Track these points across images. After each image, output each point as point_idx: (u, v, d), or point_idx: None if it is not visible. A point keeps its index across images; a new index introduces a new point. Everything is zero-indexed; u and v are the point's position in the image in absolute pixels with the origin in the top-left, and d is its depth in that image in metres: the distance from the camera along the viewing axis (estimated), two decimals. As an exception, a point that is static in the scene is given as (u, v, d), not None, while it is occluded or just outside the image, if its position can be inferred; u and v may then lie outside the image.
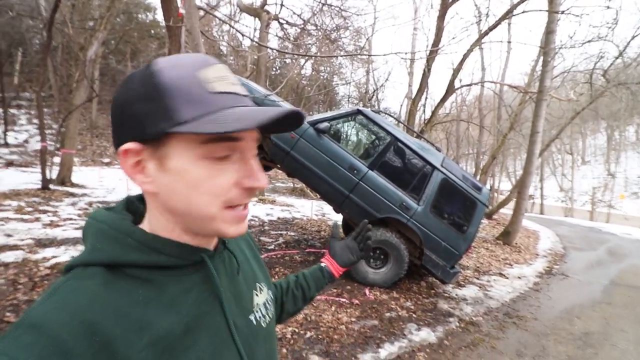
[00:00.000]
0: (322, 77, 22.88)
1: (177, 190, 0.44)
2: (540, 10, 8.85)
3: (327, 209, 8.72)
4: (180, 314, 0.45)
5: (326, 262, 0.93)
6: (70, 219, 5.11)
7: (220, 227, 0.47)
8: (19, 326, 0.37)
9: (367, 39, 13.91)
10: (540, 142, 8.20)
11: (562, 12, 8.25)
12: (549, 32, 7.99)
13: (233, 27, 5.61)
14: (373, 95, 18.66)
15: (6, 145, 11.28)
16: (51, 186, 6.69)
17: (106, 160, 13.53)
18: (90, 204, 6.15)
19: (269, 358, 0.58)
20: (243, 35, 6.17)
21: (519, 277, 5.56)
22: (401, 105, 17.79)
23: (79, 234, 4.54)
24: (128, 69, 16.65)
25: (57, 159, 7.61)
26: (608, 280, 5.94)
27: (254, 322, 0.57)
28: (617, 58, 11.11)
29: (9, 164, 9.30)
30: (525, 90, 10.76)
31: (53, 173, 6.93)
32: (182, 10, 4.86)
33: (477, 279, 5.19)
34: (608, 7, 8.78)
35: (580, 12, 8.51)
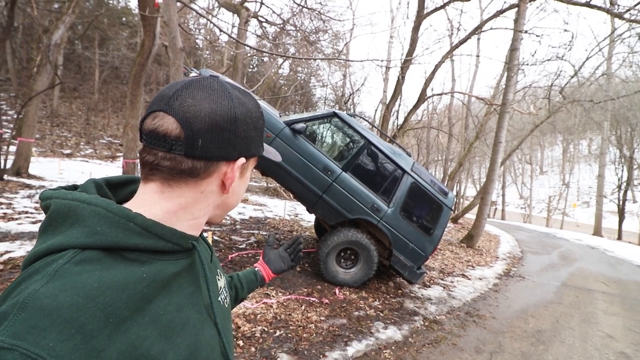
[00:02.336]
0: (299, 78, 22.89)
1: (238, 191, 0.60)
2: (506, 29, 9.44)
3: (300, 209, 8.74)
4: (173, 294, 0.49)
5: (259, 267, 1.00)
6: (26, 212, 4.79)
7: (213, 217, 0.59)
8: (23, 309, 0.35)
9: (345, 44, 14.10)
10: (502, 151, 8.72)
11: (526, 32, 8.84)
12: (513, 49, 8.52)
13: (211, 22, 5.51)
14: (349, 99, 18.92)
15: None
16: (5, 176, 6.21)
17: (67, 151, 12.74)
18: (48, 197, 5.77)
19: (230, 333, 0.65)
20: (221, 30, 6.06)
21: (480, 279, 5.87)
22: (376, 110, 18.17)
23: (35, 228, 4.26)
24: (96, 56, 15.78)
25: (12, 148, 7.09)
26: (559, 282, 6.42)
27: (222, 302, 0.64)
28: (572, 77, 12.03)
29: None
30: (491, 102, 11.39)
31: (8, 163, 6.44)
32: (158, 1, 4.72)
33: (442, 279, 5.42)
34: (566, 30, 9.51)
35: (541, 33, 9.17)
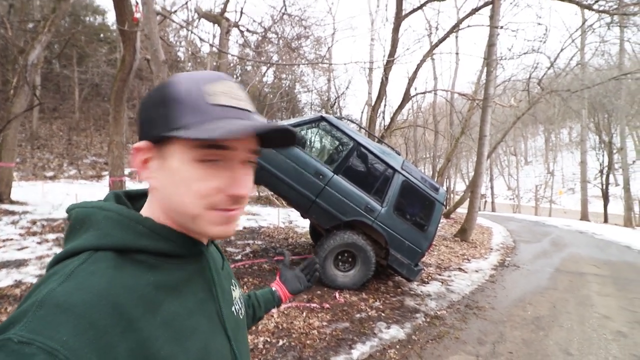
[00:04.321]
0: (284, 85, 22.94)
1: (169, 187, 0.49)
2: (482, 25, 9.69)
3: (294, 216, 8.71)
4: (182, 299, 0.49)
5: (276, 287, 1.00)
6: (11, 239, 4.63)
7: (204, 226, 0.49)
8: (41, 306, 0.37)
9: (328, 49, 14.24)
10: (488, 145, 8.90)
11: (501, 27, 9.10)
12: (491, 45, 8.75)
13: (193, 33, 5.49)
14: (335, 102, 19.04)
15: None
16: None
17: (49, 173, 12.41)
18: (33, 221, 5.60)
19: (244, 345, 0.63)
20: (202, 41, 6.05)
21: (477, 271, 5.94)
22: (362, 112, 18.33)
23: (21, 255, 4.13)
24: (74, 74, 15.51)
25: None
26: (553, 268, 6.54)
27: (235, 313, 0.62)
28: (549, 68, 12.41)
29: None
30: (473, 97, 11.64)
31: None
32: (137, 15, 4.68)
33: (439, 275, 5.47)
34: (539, 24, 9.84)
35: (516, 28, 9.47)
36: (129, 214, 0.49)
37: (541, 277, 5.84)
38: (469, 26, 9.82)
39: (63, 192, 8.91)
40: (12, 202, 6.78)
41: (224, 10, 11.09)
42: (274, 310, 3.40)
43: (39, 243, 4.64)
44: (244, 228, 6.88)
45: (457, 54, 15.27)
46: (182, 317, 0.47)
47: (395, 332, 3.31)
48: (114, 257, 0.45)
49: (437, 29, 11.03)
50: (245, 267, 4.61)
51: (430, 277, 5.26)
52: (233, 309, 0.62)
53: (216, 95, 0.47)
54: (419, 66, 10.01)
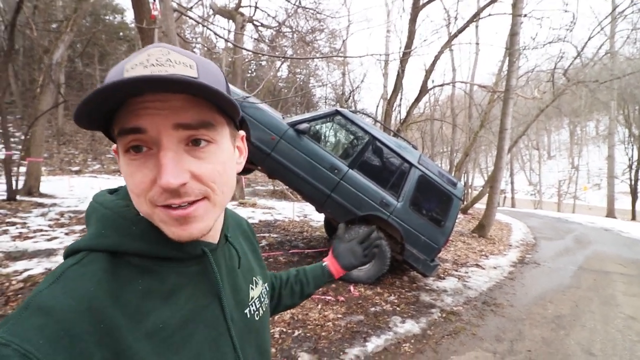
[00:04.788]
0: (298, 79, 22.92)
1: (125, 176, 0.44)
2: (505, 14, 9.34)
3: (309, 210, 8.76)
4: (178, 306, 0.46)
5: (328, 262, 0.91)
6: (41, 230, 4.87)
7: (161, 226, 0.44)
8: (26, 308, 0.37)
9: (342, 42, 14.10)
10: (508, 138, 8.63)
11: (525, 15, 8.74)
12: (513, 34, 8.43)
13: (209, 29, 5.54)
14: (349, 96, 18.89)
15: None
16: (18, 197, 6.33)
17: (75, 168, 12.93)
18: (61, 214, 5.87)
19: (259, 350, 0.59)
20: (218, 36, 6.10)
21: (495, 267, 5.82)
22: (377, 106, 18.14)
23: (51, 245, 4.34)
24: (96, 72, 16.01)
25: (22, 169, 7.21)
26: (576, 266, 6.32)
27: (248, 315, 0.58)
28: (575, 58, 11.86)
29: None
30: (494, 89, 11.28)
31: (19, 183, 6.56)
32: (154, 12, 4.76)
33: (456, 270, 5.38)
34: (566, 11, 9.38)
35: (541, 16, 9.07)
36: (125, 214, 0.46)
37: (563, 275, 5.66)
38: (490, 15, 9.49)
39: (88, 185, 9.29)
40: (41, 195, 7.13)
41: (238, 6, 11.14)
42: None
43: (67, 234, 4.86)
44: (260, 221, 6.98)
45: (477, 44, 14.81)
46: (172, 328, 0.44)
47: (410, 327, 3.30)
48: (107, 259, 0.43)
49: (456, 18, 10.72)
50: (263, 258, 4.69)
51: (446, 273, 5.19)
52: (247, 310, 0.58)
53: (133, 69, 0.40)
54: (436, 58, 9.78)
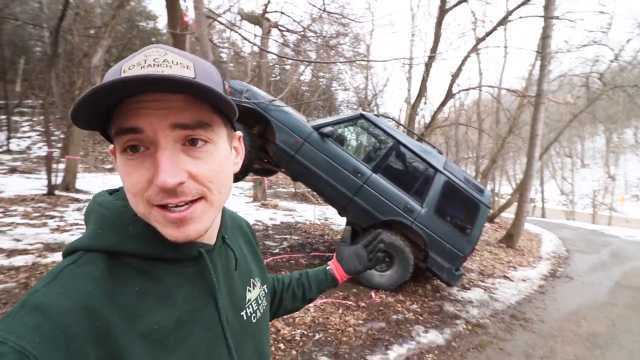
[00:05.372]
0: (321, 83, 23.04)
1: (121, 176, 0.45)
2: (536, 16, 9.01)
3: (330, 213, 8.74)
4: (174, 307, 0.45)
5: (332, 266, 0.90)
6: (77, 224, 5.13)
7: (158, 227, 0.44)
8: (22, 307, 0.37)
9: (367, 46, 14.06)
10: (539, 145, 8.27)
11: (558, 18, 8.39)
12: (545, 37, 8.10)
13: (239, 34, 5.69)
14: (372, 100, 18.78)
15: (9, 152, 11.33)
16: (56, 192, 6.71)
17: (108, 166, 13.56)
18: (94, 210, 6.16)
19: (257, 352, 0.59)
20: (248, 41, 6.28)
21: (524, 280, 5.57)
22: (400, 110, 17.93)
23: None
24: (129, 76, 16.76)
25: (61, 165, 7.65)
26: (612, 282, 5.95)
27: (245, 317, 0.57)
28: (612, 61, 11.24)
29: (13, 170, 9.33)
30: (524, 94, 10.88)
31: (58, 179, 6.96)
32: (187, 19, 4.95)
33: (482, 281, 5.20)
34: (602, 12, 8.93)
35: (575, 18, 8.66)
36: (122, 215, 0.46)
37: (598, 291, 5.34)
38: (520, 17, 9.17)
39: (120, 183, 9.68)
40: (77, 191, 7.53)
41: (265, 12, 11.37)
42: (310, 304, 3.45)
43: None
44: (282, 223, 7.04)
45: (505, 47, 14.35)
46: (167, 329, 0.44)
47: (433, 337, 3.21)
48: (104, 259, 0.43)
49: (483, 21, 10.45)
50: (283, 260, 4.72)
51: (471, 283, 5.02)
52: (243, 313, 0.57)
53: (130, 70, 0.40)
54: (463, 61, 9.56)
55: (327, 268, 0.89)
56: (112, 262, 0.43)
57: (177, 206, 0.42)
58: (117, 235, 0.45)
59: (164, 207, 0.42)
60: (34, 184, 7.52)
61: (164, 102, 0.40)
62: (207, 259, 0.50)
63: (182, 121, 0.41)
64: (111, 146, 0.46)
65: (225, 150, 0.48)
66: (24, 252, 3.80)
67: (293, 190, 12.50)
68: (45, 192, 6.55)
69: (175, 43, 5.76)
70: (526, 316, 4.06)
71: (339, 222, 7.80)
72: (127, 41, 13.49)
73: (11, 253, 3.73)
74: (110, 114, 0.42)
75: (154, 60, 0.41)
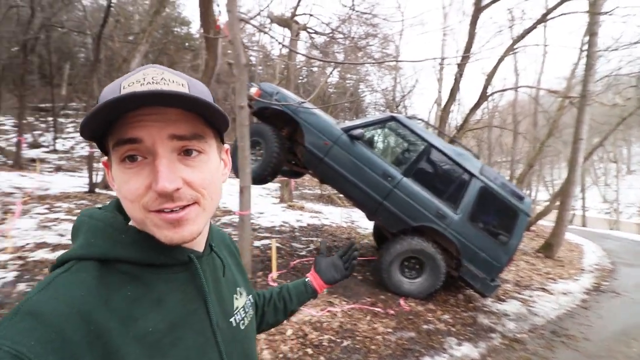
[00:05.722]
0: (348, 85, 22.93)
1: (119, 195, 0.48)
2: (580, 12, 8.44)
3: (356, 216, 8.63)
4: (166, 311, 0.47)
5: (310, 278, 0.93)
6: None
7: (153, 231, 0.46)
8: (16, 314, 0.38)
9: (396, 47, 13.82)
10: (583, 149, 7.73)
11: (606, 13, 7.81)
12: (592, 34, 7.57)
13: (270, 35, 5.78)
14: (400, 102, 18.44)
15: (55, 151, 12.14)
16: (97, 190, 7.09)
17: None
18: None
19: (245, 358, 0.60)
20: (278, 42, 6.36)
21: (565, 293, 5.20)
22: (429, 112, 17.45)
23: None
24: (164, 79, 17.51)
25: (100, 165, 8.07)
26: (667, 300, 5.42)
27: (234, 324, 0.59)
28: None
29: (58, 168, 9.99)
30: (566, 95, 10.23)
31: (98, 178, 7.35)
32: (219, 23, 5.07)
33: (519, 293, 4.90)
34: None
35: (626, 13, 8.03)
36: (113, 223, 0.49)
37: (651, 309, 4.87)
38: (562, 14, 8.63)
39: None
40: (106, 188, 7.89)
41: (293, 14, 11.47)
42: (338, 309, 3.39)
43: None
44: (308, 225, 7.03)
45: (545, 46, 13.59)
46: (161, 332, 0.46)
47: (467, 350, 3.05)
48: (96, 267, 0.45)
49: (522, 19, 9.94)
50: (310, 262, 4.69)
51: (507, 295, 4.74)
52: (232, 319, 0.59)
53: (130, 87, 0.44)
54: (499, 61, 9.13)
55: (307, 280, 0.93)
56: (104, 269, 0.45)
57: (172, 211, 0.45)
58: (109, 242, 0.47)
59: (160, 211, 0.45)
60: (77, 182, 7.99)
61: (162, 115, 0.44)
62: (197, 263, 0.52)
63: (179, 132, 0.45)
64: (104, 158, 0.50)
65: (216, 160, 0.52)
66: (67, 246, 4.02)
67: (319, 192, 12.49)
68: (86, 190, 6.94)
69: (208, 47, 5.93)
70: (569, 333, 3.78)
71: (365, 225, 7.68)
72: (162, 46, 14.10)
73: (55, 247, 3.96)
74: (108, 127, 0.45)
75: (152, 78, 0.45)
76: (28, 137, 11.60)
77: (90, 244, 0.47)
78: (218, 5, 4.67)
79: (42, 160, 9.69)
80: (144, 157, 0.45)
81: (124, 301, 0.44)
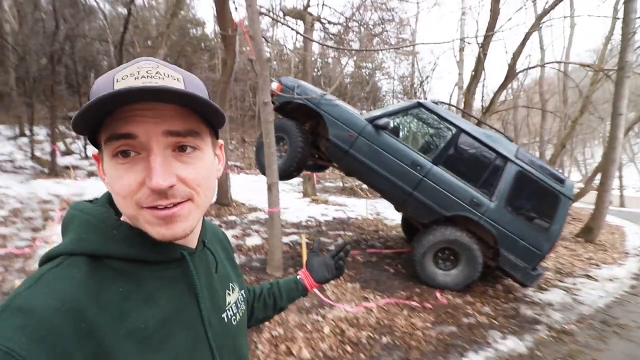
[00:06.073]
0: (364, 73, 22.53)
1: (111, 191, 0.47)
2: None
3: (381, 207, 8.50)
4: (157, 308, 0.47)
5: (302, 275, 0.94)
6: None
7: (145, 227, 0.46)
8: (5, 309, 0.38)
9: (413, 31, 13.36)
10: (623, 125, 7.21)
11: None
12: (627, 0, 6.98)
13: (292, 29, 5.69)
14: (419, 86, 17.92)
15: (86, 157, 12.66)
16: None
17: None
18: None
19: (236, 354, 0.60)
20: (297, 32, 6.34)
21: (611, 280, 4.90)
22: (450, 96, 16.84)
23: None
24: (182, 81, 17.83)
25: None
26: None
27: (226, 319, 0.59)
28: None
29: (90, 174, 10.41)
30: (600, 68, 9.56)
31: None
32: (236, 20, 5.02)
33: (561, 281, 4.66)
34: None
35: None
36: (106, 219, 0.48)
37: None
38: (596, -20, 8.00)
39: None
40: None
41: (307, 6, 11.30)
42: (373, 305, 3.33)
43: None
44: (334, 219, 6.98)
45: (572, 17, 12.72)
46: (152, 328, 0.45)
47: (513, 344, 2.91)
48: (87, 262, 0.44)
49: (550, -11, 9.30)
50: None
51: (549, 284, 4.52)
52: (224, 315, 0.59)
53: (124, 80, 0.43)
54: (527, 36, 8.62)
55: (298, 277, 0.94)
56: (95, 265, 0.45)
57: (165, 207, 0.45)
58: (101, 238, 0.46)
59: (153, 207, 0.44)
60: (104, 187, 8.29)
61: (157, 110, 0.43)
62: (189, 261, 0.52)
63: (174, 129, 0.45)
64: (95, 152, 0.50)
65: (210, 157, 0.51)
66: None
67: (341, 184, 12.41)
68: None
69: (226, 45, 5.91)
70: (620, 322, 3.55)
71: (392, 216, 7.54)
72: (180, 49, 14.31)
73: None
74: (100, 121, 0.44)
75: (147, 72, 0.44)
76: (60, 146, 12.14)
77: (82, 239, 0.46)
78: (234, 2, 4.62)
79: (75, 167, 10.11)
80: (137, 152, 0.44)
81: (115, 297, 0.44)
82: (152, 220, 0.45)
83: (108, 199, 0.53)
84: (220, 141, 0.58)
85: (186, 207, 0.46)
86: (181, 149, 0.46)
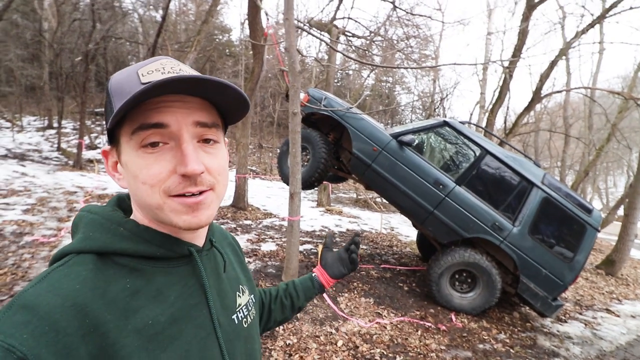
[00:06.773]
0: (383, 87, 22.61)
1: (131, 183, 0.47)
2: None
3: (395, 222, 8.43)
4: (166, 304, 0.47)
5: (317, 273, 0.92)
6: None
7: (170, 217, 0.46)
8: (10, 307, 0.38)
9: (436, 47, 13.39)
10: (653, 156, 6.98)
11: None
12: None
13: (316, 36, 5.81)
14: (439, 104, 17.84)
15: (109, 153, 13.12)
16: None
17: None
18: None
19: (248, 357, 0.58)
20: (327, 44, 6.45)
21: (633, 316, 4.70)
22: (470, 114, 16.66)
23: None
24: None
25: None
26: None
27: (236, 321, 0.58)
28: None
29: (112, 169, 10.75)
30: (630, 96, 9.33)
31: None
32: (268, 31, 5.16)
33: (580, 314, 4.50)
34: None
35: None
36: (112, 217, 0.49)
37: None
38: (631, 8, 7.87)
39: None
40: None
41: (333, 19, 11.51)
42: (386, 322, 3.29)
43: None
44: (347, 230, 6.96)
45: (601, 43, 12.49)
46: (161, 325, 0.45)
47: (531, 376, 2.82)
48: (94, 260, 0.44)
49: (582, 15, 9.22)
50: (357, 269, 4.62)
51: (567, 315, 4.37)
52: (234, 316, 0.58)
53: (150, 75, 0.45)
54: (555, 60, 8.52)
55: (313, 275, 0.92)
56: (102, 261, 0.45)
57: (192, 194, 0.46)
58: (107, 235, 0.47)
59: (180, 195, 0.46)
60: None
61: (186, 102, 0.46)
62: (197, 257, 0.52)
63: (203, 120, 0.47)
64: (106, 147, 0.51)
65: (225, 150, 0.54)
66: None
67: (355, 195, 12.38)
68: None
69: (255, 53, 6.07)
70: (644, 363, 3.39)
71: (406, 232, 7.47)
72: (208, 54, 14.75)
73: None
74: (125, 115, 0.45)
75: (171, 67, 0.46)
76: (86, 140, 12.59)
77: (89, 237, 0.47)
78: (266, 14, 4.76)
79: (98, 161, 10.45)
80: (165, 142, 0.45)
81: (122, 293, 0.44)
82: (178, 209, 0.46)
83: (116, 201, 0.55)
84: (226, 139, 0.60)
85: (209, 195, 0.48)
86: (205, 141, 0.48)
